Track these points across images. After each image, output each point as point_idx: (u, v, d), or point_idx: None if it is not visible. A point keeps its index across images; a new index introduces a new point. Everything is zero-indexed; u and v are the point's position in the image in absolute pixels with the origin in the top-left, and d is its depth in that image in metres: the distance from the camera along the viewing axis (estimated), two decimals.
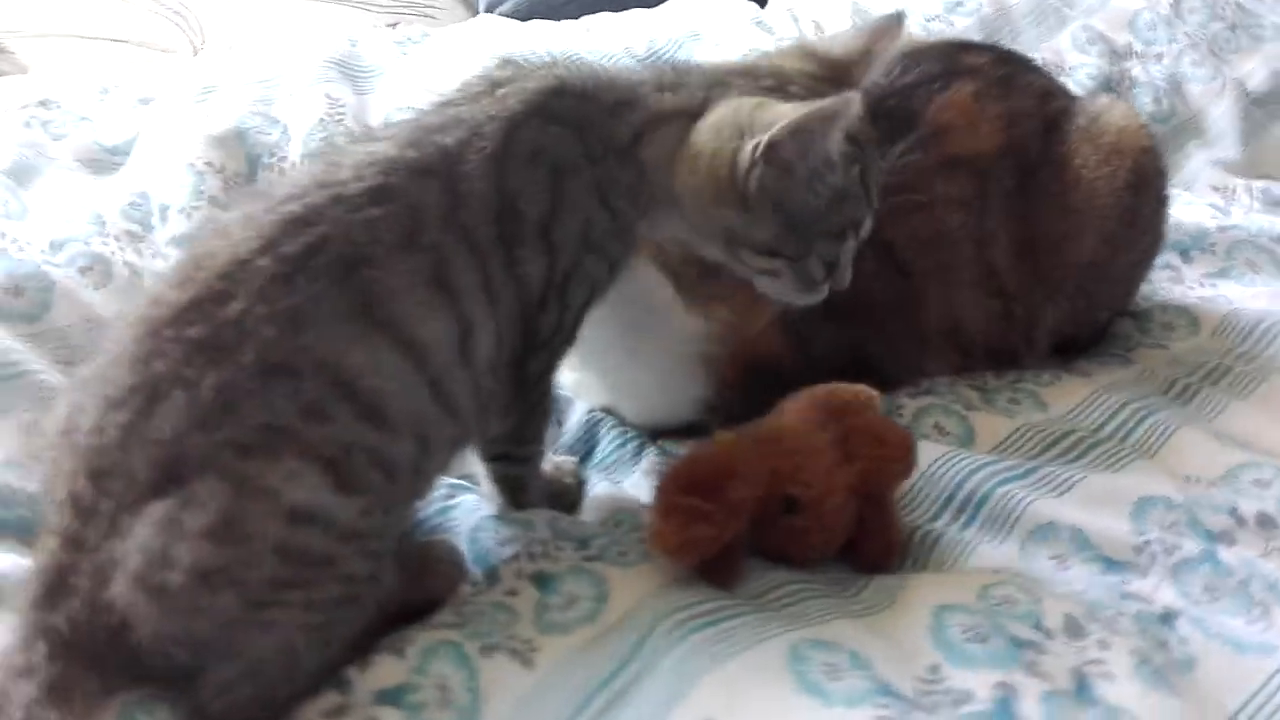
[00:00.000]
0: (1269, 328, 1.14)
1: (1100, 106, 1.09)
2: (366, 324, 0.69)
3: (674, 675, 0.67)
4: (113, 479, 0.64)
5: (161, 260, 1.02)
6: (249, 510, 0.64)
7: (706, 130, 0.78)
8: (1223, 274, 1.26)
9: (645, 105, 0.80)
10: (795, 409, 0.88)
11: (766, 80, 0.81)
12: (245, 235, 0.69)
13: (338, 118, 1.18)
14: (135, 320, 0.68)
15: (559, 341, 0.82)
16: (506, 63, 0.82)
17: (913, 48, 1.06)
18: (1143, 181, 1.06)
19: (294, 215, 0.70)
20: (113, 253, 1.01)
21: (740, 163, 0.76)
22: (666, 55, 1.49)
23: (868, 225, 0.83)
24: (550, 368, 0.83)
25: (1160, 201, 1.10)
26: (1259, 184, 1.40)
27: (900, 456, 0.83)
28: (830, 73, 0.83)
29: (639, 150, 0.80)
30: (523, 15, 1.77)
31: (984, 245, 1.04)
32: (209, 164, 1.08)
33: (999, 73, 1.05)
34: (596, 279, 0.81)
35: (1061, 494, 0.90)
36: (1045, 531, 0.85)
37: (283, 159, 1.12)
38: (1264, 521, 0.86)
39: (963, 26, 1.54)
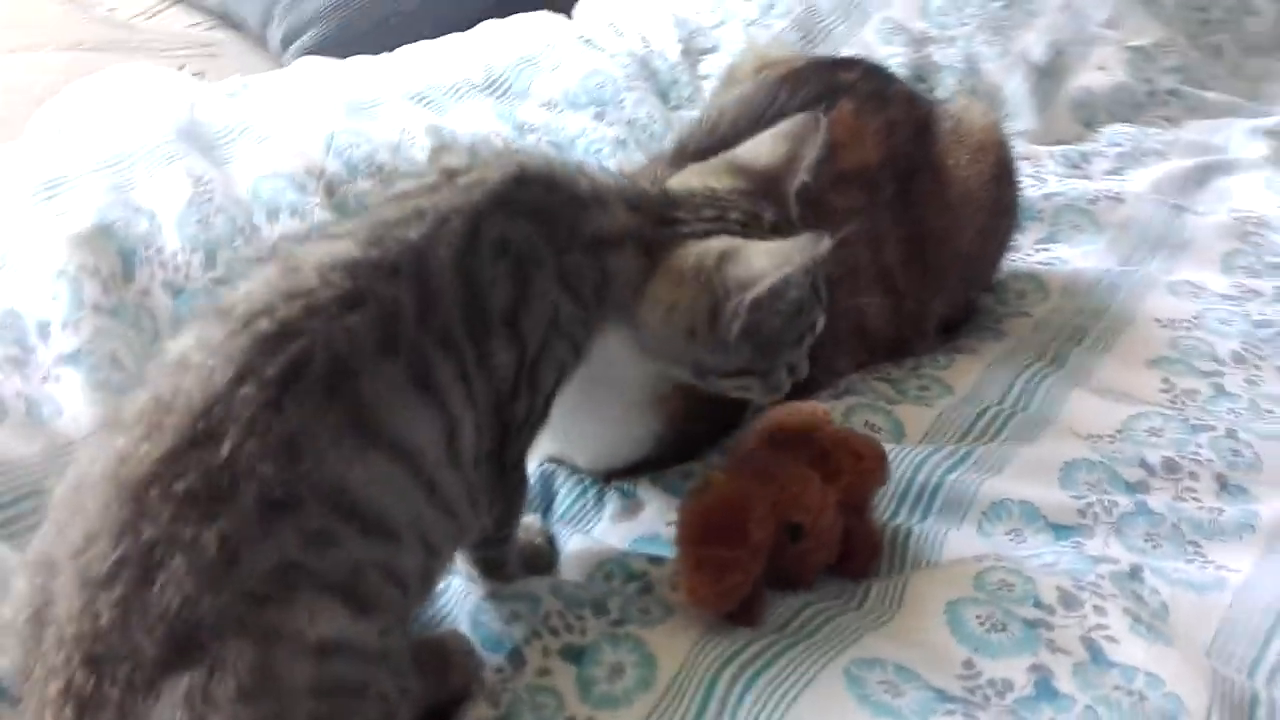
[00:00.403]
0: (1107, 283, 1.29)
1: (959, 108, 1.19)
2: (361, 437, 0.67)
3: None
4: (116, 663, 0.60)
5: (53, 383, 0.93)
6: (278, 660, 0.61)
7: (668, 284, 0.80)
8: (1052, 238, 1.39)
9: (610, 213, 0.81)
10: (761, 437, 0.91)
11: (706, 211, 0.83)
12: (214, 363, 0.64)
13: (207, 196, 1.10)
14: (100, 482, 0.63)
15: (533, 424, 0.82)
16: (447, 149, 0.81)
17: (790, 70, 1.11)
18: (1004, 173, 1.17)
19: (267, 333, 0.66)
20: None
21: (720, 318, 0.79)
22: (508, 83, 1.48)
23: (821, 321, 0.86)
24: (526, 450, 0.84)
25: (1015, 187, 1.21)
26: (1058, 149, 1.56)
27: (877, 466, 0.89)
28: (760, 185, 0.86)
29: (604, 255, 0.80)
30: (329, 47, 1.70)
31: (877, 249, 1.11)
32: (81, 268, 0.99)
33: (871, 86, 1.12)
34: (565, 361, 0.81)
35: (1000, 471, 0.99)
36: (998, 510, 0.94)
37: (159, 250, 1.04)
38: (1170, 466, 0.98)
39: (779, 29, 1.61)
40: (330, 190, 1.16)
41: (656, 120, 1.46)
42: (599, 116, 1.44)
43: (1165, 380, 1.12)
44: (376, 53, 1.56)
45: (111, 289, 0.99)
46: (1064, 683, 0.74)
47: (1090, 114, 1.64)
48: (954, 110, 1.18)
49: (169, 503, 0.61)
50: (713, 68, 1.60)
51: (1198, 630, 0.81)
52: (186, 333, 0.69)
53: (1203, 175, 1.51)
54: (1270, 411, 1.07)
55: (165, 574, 0.60)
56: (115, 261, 1.02)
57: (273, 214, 1.12)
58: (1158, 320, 1.22)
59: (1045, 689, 0.74)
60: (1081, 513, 0.93)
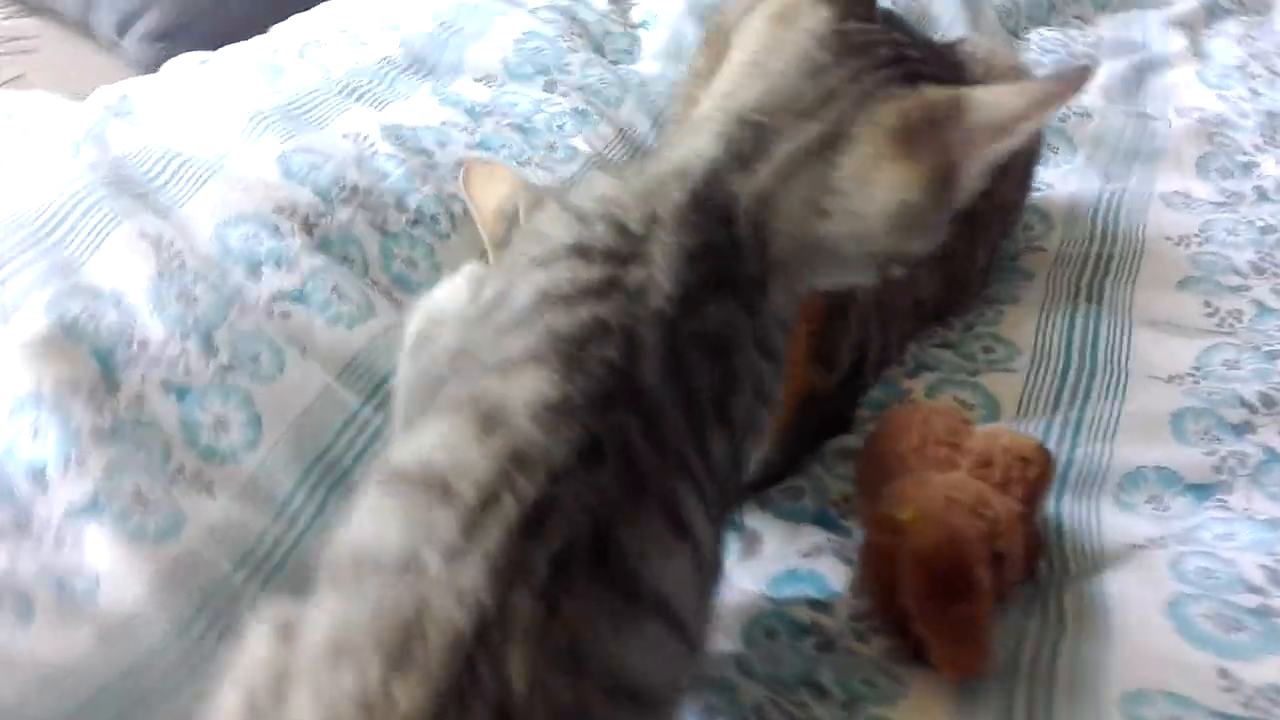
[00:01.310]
0: (1104, 205, 1.28)
1: (985, 51, 1.13)
2: (633, 605, 0.54)
3: None
4: None
5: (74, 547, 0.73)
6: None
7: (874, 169, 0.64)
8: None
9: (738, 196, 0.66)
10: (908, 451, 0.84)
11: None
12: (469, 570, 0.50)
13: (177, 262, 0.89)
14: None
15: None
16: (596, 219, 0.64)
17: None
18: None
19: (519, 518, 0.52)
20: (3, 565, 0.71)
21: (954, 184, 0.64)
22: (436, 57, 1.30)
23: None
24: None
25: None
26: None
27: (1046, 468, 0.83)
28: None
29: (762, 247, 0.68)
30: (167, 33, 1.44)
31: None
32: (58, 385, 0.77)
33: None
34: (760, 424, 0.70)
35: (1113, 436, 0.95)
36: (1133, 479, 0.91)
37: (143, 343, 0.84)
38: (1267, 401, 0.97)
39: None
40: (309, 228, 0.97)
41: (610, 84, 1.32)
42: (549, 87, 1.28)
43: (1206, 303, 1.12)
44: (224, 34, 1.34)
45: (103, 405, 0.79)
46: None
47: (1015, 21, 1.61)
48: (980, 54, 1.11)
49: None
50: (646, 13, 1.47)
51: None
52: (374, 515, 0.55)
53: (1139, 75, 1.52)
54: None
55: None
56: (92, 368, 0.81)
57: (254, 269, 0.92)
58: (1168, 239, 1.22)
59: None
60: (1217, 469, 0.91)
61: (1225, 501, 0.88)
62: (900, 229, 0.65)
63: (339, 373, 0.90)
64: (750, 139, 0.65)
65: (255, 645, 0.56)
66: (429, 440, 0.56)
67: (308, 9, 1.44)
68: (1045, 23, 1.62)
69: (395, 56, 1.28)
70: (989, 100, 0.63)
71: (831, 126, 0.64)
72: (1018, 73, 1.10)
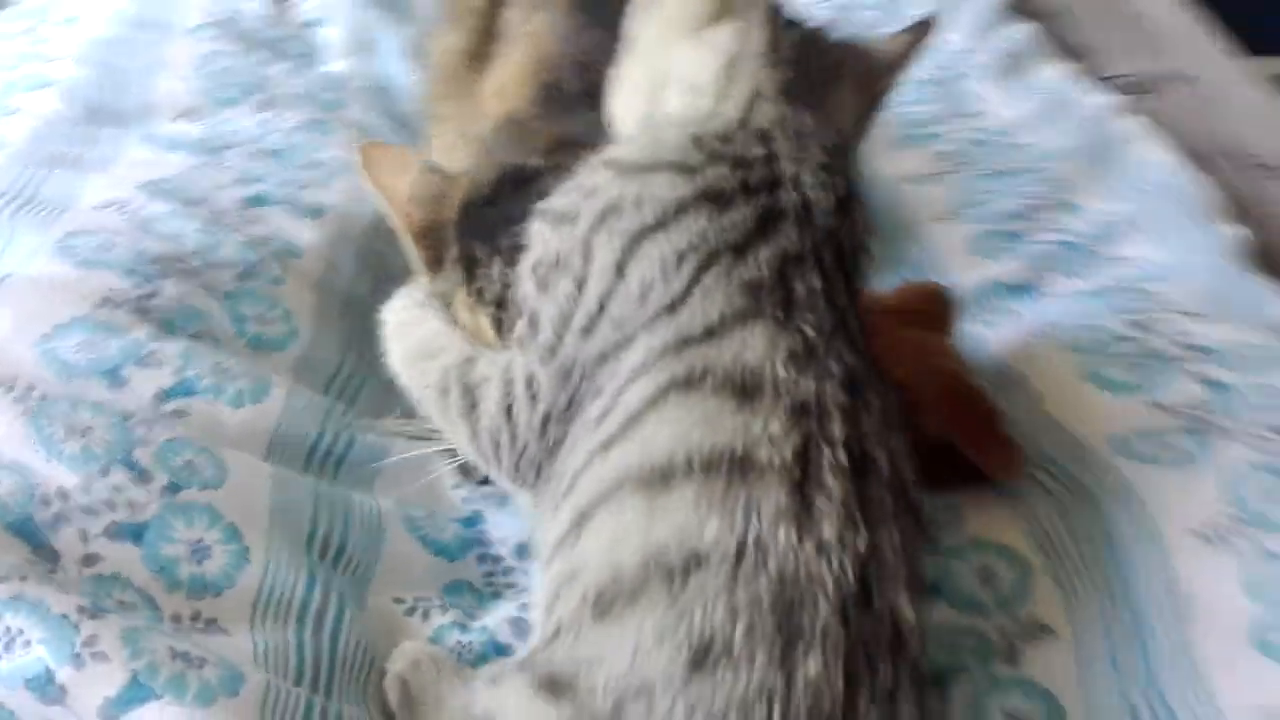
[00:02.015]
0: None
1: None
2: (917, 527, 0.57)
3: None
4: None
5: None
6: None
7: None
8: None
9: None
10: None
11: None
12: (824, 530, 0.52)
13: (32, 398, 0.72)
14: None
15: None
16: (707, 162, 0.61)
17: None
18: None
19: (848, 462, 0.53)
20: None
21: None
22: (113, 104, 1.13)
23: None
24: None
25: None
26: None
27: (950, 304, 0.93)
28: None
29: None
30: None
31: None
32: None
33: None
34: None
35: None
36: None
37: (62, 494, 0.68)
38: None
39: None
40: (142, 312, 0.82)
41: (324, 88, 1.23)
42: (264, 105, 1.16)
43: None
44: None
45: (54, 578, 0.63)
46: None
47: None
48: None
49: None
50: (310, 12, 1.37)
51: None
52: (659, 520, 0.53)
53: None
54: None
55: None
56: (18, 545, 0.64)
57: (114, 378, 0.77)
58: None
59: None
60: None
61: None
62: None
63: (266, 453, 0.79)
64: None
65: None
66: (671, 431, 0.53)
67: None
68: None
69: (64, 111, 1.09)
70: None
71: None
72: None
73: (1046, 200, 1.16)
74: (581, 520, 0.57)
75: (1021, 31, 1.46)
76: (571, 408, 0.61)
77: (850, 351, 0.58)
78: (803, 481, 0.52)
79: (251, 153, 1.07)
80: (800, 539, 0.51)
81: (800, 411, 0.54)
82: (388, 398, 0.93)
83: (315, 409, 0.85)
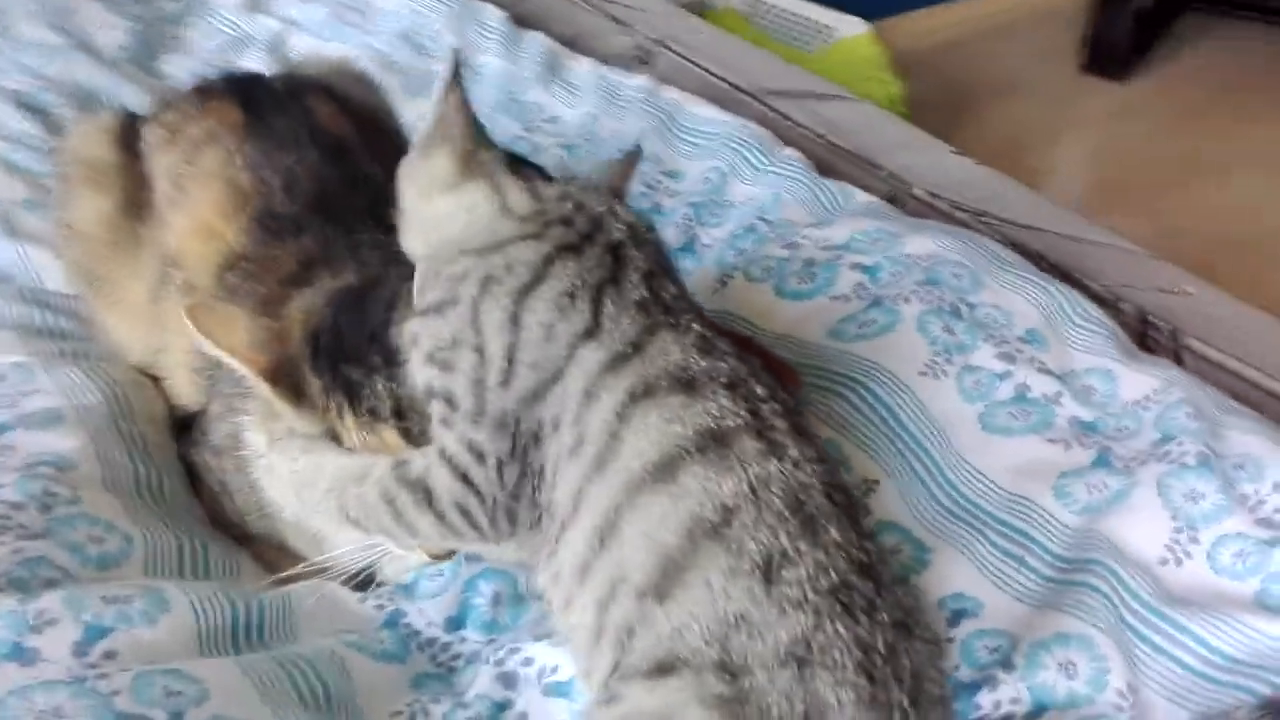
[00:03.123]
0: None
1: None
2: None
3: None
4: None
5: None
6: None
7: None
8: None
9: None
10: None
11: None
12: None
13: None
14: None
15: None
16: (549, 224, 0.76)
17: None
18: None
19: (790, 416, 0.72)
20: None
21: None
22: None
23: None
24: None
25: None
26: None
27: None
28: None
29: None
30: None
31: None
32: None
33: None
34: None
35: None
36: None
37: None
38: None
39: None
40: None
41: None
42: None
43: None
44: None
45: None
46: None
47: None
48: None
49: None
50: None
51: None
52: (677, 501, 0.67)
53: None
54: None
55: None
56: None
57: (24, 656, 0.72)
58: None
59: None
60: None
61: None
62: None
63: (203, 651, 0.79)
64: None
65: None
66: (654, 435, 0.68)
67: None
68: None
69: None
70: None
71: None
72: None
73: (654, 177, 1.39)
74: (606, 535, 0.69)
75: (537, 40, 1.66)
76: (515, 450, 0.72)
77: (719, 335, 0.76)
78: (760, 428, 0.70)
79: None
80: (781, 460, 0.69)
81: (731, 384, 0.71)
82: (238, 554, 0.95)
83: (207, 593, 0.84)
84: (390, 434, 0.79)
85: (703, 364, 0.71)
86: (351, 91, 1.19)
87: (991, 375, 1.02)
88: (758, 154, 1.39)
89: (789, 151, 1.40)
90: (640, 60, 1.69)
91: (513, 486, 0.72)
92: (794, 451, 0.70)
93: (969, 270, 1.11)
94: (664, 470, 0.67)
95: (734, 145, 1.41)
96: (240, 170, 1.00)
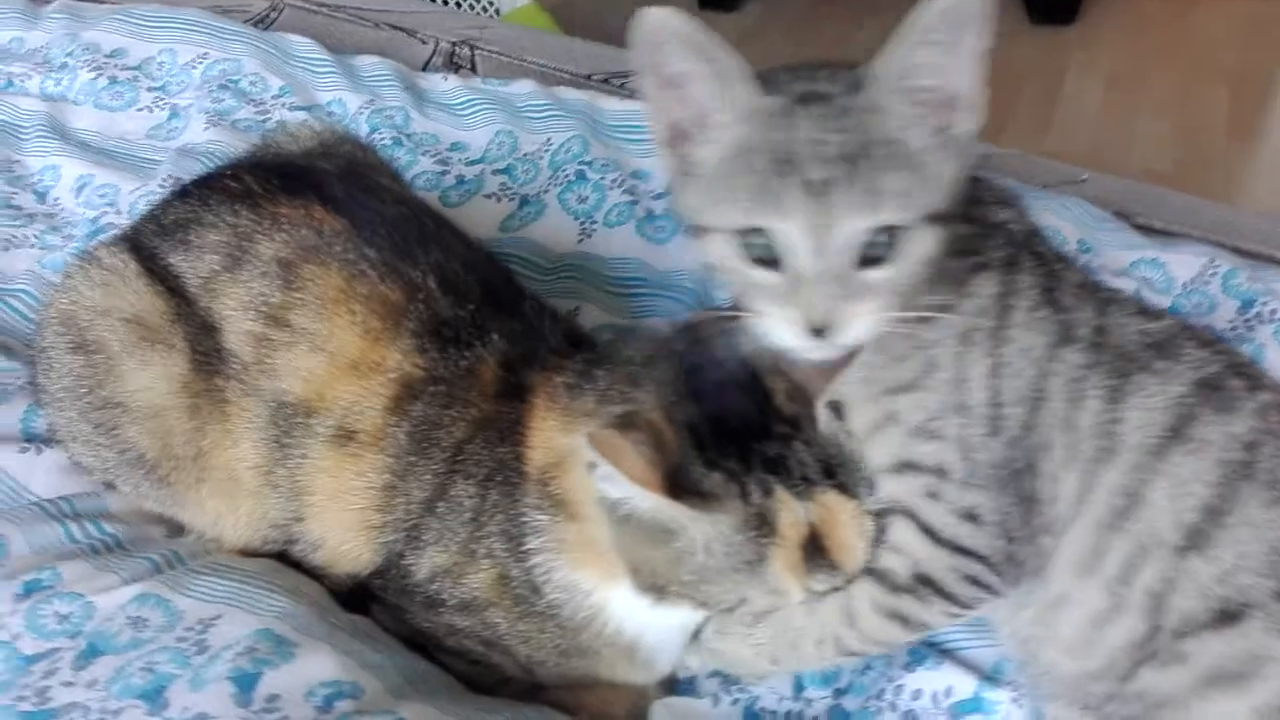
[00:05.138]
0: None
1: None
2: None
3: None
4: None
5: None
6: None
7: None
8: None
9: None
10: None
11: None
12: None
13: None
14: None
15: None
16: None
17: None
18: None
19: None
20: None
21: None
22: None
23: None
24: None
25: None
26: None
27: None
28: None
29: None
30: None
31: None
32: None
33: None
34: None
35: None
36: None
37: None
38: None
39: None
40: None
41: None
42: None
43: None
44: None
45: None
46: None
47: None
48: None
49: None
50: None
51: None
52: None
53: None
54: None
55: None
56: None
57: None
58: None
59: None
60: None
61: None
62: None
63: None
64: None
65: None
66: (1152, 404, 0.70)
67: None
68: None
69: None
70: None
71: None
72: None
73: (619, 174, 1.30)
74: (1121, 515, 0.69)
75: (375, 64, 1.49)
76: (1012, 494, 0.70)
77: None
78: (1230, 363, 0.72)
79: None
80: (1263, 389, 0.71)
81: (1184, 333, 0.74)
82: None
83: None
84: (831, 495, 0.72)
85: (1152, 324, 0.72)
86: (358, 158, 1.01)
87: None
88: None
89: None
90: (456, 65, 1.58)
91: (1028, 529, 0.71)
92: (1261, 377, 0.72)
93: None
94: (1176, 431, 0.68)
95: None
96: (377, 283, 0.83)
